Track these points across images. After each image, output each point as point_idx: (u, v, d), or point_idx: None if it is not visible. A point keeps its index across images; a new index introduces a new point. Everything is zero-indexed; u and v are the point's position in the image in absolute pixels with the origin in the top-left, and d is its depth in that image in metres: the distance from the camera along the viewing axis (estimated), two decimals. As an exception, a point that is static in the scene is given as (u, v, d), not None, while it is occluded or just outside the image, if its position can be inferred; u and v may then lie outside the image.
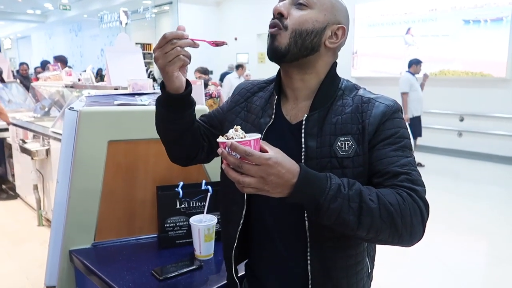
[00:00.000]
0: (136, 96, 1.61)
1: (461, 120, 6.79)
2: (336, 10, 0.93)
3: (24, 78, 6.88)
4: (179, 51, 0.88)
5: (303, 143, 0.90)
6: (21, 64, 7.68)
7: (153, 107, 1.54)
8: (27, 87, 5.92)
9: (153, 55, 0.91)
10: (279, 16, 0.90)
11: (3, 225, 3.90)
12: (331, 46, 0.93)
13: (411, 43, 7.25)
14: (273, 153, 0.76)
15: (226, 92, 6.88)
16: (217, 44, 0.93)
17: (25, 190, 4.39)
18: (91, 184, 1.41)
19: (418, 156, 6.07)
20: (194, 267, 1.26)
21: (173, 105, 0.97)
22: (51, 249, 1.46)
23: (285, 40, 0.89)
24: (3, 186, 4.86)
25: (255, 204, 0.98)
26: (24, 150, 3.65)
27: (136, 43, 13.16)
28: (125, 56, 2.94)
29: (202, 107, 1.58)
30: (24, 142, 3.79)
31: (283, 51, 0.90)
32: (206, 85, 5.90)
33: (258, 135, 0.79)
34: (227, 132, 0.79)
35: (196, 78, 6.32)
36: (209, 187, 1.42)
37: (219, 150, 0.77)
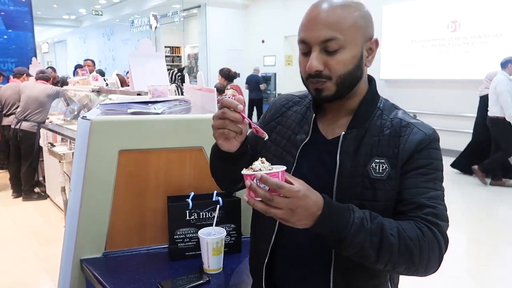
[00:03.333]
0: (150, 104, 1.60)
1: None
2: (364, 28, 0.88)
3: (54, 83, 7.08)
4: (225, 124, 0.87)
5: (337, 160, 0.89)
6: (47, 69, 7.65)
7: (167, 116, 1.54)
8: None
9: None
10: (317, 72, 0.87)
11: (32, 225, 4.03)
12: (370, 63, 0.92)
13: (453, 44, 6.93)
14: (299, 185, 0.76)
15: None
16: (257, 131, 0.89)
17: (54, 191, 4.52)
18: (102, 193, 1.41)
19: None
20: (201, 281, 1.22)
21: (225, 158, 0.96)
22: (64, 258, 1.46)
23: (333, 88, 0.88)
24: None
25: None
26: (52, 153, 3.76)
27: (165, 46, 13.41)
28: (148, 61, 2.97)
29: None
30: (52, 145, 3.91)
31: (333, 97, 0.89)
32: (222, 91, 5.83)
33: (284, 167, 0.79)
34: (252, 165, 0.79)
35: (218, 81, 6.29)
36: (220, 198, 1.38)
37: (247, 183, 0.76)
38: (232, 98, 0.96)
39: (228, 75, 6.22)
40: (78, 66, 8.52)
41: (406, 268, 0.81)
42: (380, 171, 0.86)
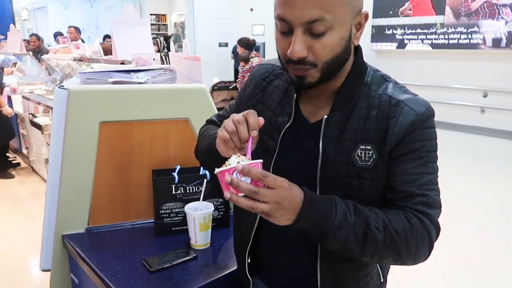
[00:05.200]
0: (132, 73, 1.52)
1: (485, 96, 6.49)
2: (354, 2, 0.74)
3: (35, 51, 6.76)
4: (234, 134, 0.75)
5: (320, 148, 0.81)
6: (31, 35, 7.26)
7: (150, 85, 1.46)
8: (39, 60, 5.87)
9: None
10: (300, 59, 0.74)
11: (18, 199, 3.95)
12: (358, 40, 0.79)
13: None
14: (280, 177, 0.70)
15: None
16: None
17: (39, 164, 4.42)
18: (83, 167, 1.34)
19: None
20: (188, 257, 1.19)
21: (215, 154, 0.85)
22: (45, 233, 1.41)
23: (317, 74, 0.76)
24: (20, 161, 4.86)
25: None
26: (34, 124, 3.65)
27: (151, 14, 12.97)
28: (132, 28, 2.83)
29: (200, 86, 1.47)
30: (34, 116, 3.78)
31: (316, 84, 0.78)
32: (248, 59, 5.81)
33: (260, 160, 0.71)
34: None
35: (239, 52, 6.24)
36: (207, 172, 1.33)
37: (227, 178, 0.67)
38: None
39: (247, 44, 6.18)
40: (57, 34, 8.18)
41: (393, 259, 0.77)
42: (366, 159, 0.78)
